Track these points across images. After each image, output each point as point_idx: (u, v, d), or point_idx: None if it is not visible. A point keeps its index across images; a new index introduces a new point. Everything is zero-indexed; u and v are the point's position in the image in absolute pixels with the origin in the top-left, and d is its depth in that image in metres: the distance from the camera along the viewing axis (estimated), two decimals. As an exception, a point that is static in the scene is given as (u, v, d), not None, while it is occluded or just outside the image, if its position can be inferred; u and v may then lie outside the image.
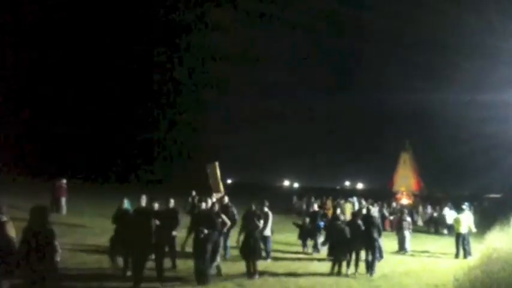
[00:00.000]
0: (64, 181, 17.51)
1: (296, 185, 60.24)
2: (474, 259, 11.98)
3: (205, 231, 8.07)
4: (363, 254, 10.14)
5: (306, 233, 13.00)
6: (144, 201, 8.54)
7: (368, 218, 10.56)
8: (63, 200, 17.12)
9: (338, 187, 59.95)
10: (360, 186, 52.83)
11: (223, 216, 8.84)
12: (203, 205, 9.91)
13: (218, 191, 11.69)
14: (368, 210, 12.02)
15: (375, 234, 10.10)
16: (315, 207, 14.11)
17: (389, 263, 11.84)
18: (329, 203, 24.61)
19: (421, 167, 38.85)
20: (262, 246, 10.08)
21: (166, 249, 8.91)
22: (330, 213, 21.53)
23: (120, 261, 8.62)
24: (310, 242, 13.05)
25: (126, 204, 9.21)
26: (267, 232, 10.68)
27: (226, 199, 11.01)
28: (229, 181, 74.48)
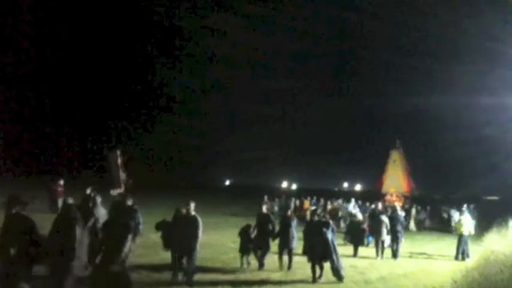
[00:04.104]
0: (61, 182, 17.48)
1: (294, 186, 60.14)
2: (472, 261, 11.98)
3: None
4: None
5: (249, 244, 10.10)
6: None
7: (393, 215, 13.42)
8: (60, 201, 17.08)
9: (336, 189, 59.93)
10: (358, 188, 52.68)
11: (77, 230, 5.80)
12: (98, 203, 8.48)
13: (118, 186, 9.38)
14: (394, 209, 14.27)
15: (399, 228, 12.95)
16: (264, 209, 10.84)
17: (387, 264, 11.86)
18: (306, 204, 24.62)
19: (419, 169, 37.73)
20: (185, 263, 8.07)
21: None
22: (308, 214, 22.17)
23: None
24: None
25: None
26: (194, 245, 7.97)
27: (130, 201, 8.64)
28: (227, 182, 74.77)
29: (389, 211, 14.70)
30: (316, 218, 9.82)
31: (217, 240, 13.92)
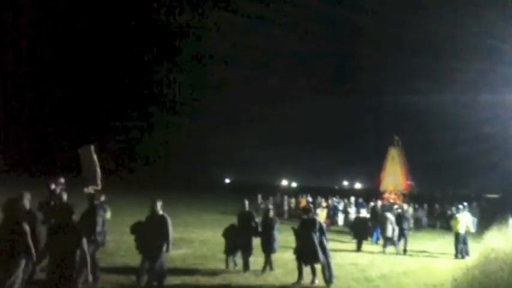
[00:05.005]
0: (62, 180, 17.42)
1: (294, 184, 60.30)
2: (472, 259, 11.97)
3: None
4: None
5: (234, 244, 9.54)
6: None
7: (401, 213, 14.29)
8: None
9: (336, 187, 60.10)
10: (358, 186, 52.75)
11: (25, 227, 5.36)
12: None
13: (94, 183, 8.82)
14: (402, 208, 15.35)
15: (405, 226, 13.68)
16: (246, 207, 9.94)
17: (388, 262, 11.86)
18: (303, 202, 24.63)
19: (419, 167, 37.41)
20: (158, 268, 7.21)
21: None
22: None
23: None
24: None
25: None
26: (165, 248, 7.21)
27: (103, 197, 8.24)
28: (227, 180, 74.91)
29: (395, 209, 15.25)
30: (306, 216, 8.96)
31: (216, 238, 13.90)
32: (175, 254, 11.09)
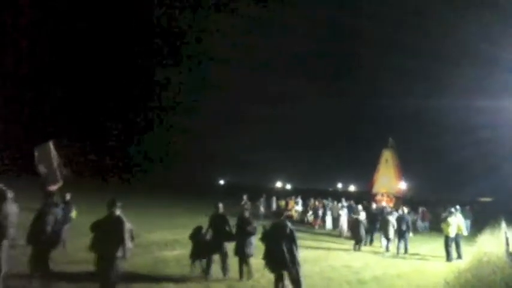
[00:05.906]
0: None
1: (289, 186, 60.28)
2: (465, 262, 12.04)
3: None
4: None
5: (201, 248, 9.12)
6: None
7: (400, 216, 14.71)
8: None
9: (330, 189, 60.21)
10: (351, 188, 52.74)
11: None
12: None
13: (55, 181, 8.51)
14: (402, 211, 15.65)
15: (403, 227, 14.18)
16: (220, 210, 9.39)
17: (381, 265, 11.90)
18: (291, 204, 24.84)
19: (415, 170, 37.21)
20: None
21: None
22: (293, 214, 23.54)
23: None
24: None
25: None
26: (119, 252, 6.32)
27: (68, 195, 8.18)
28: (222, 182, 74.82)
29: (388, 211, 15.81)
30: (277, 220, 8.22)
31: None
32: (169, 255, 11.11)
